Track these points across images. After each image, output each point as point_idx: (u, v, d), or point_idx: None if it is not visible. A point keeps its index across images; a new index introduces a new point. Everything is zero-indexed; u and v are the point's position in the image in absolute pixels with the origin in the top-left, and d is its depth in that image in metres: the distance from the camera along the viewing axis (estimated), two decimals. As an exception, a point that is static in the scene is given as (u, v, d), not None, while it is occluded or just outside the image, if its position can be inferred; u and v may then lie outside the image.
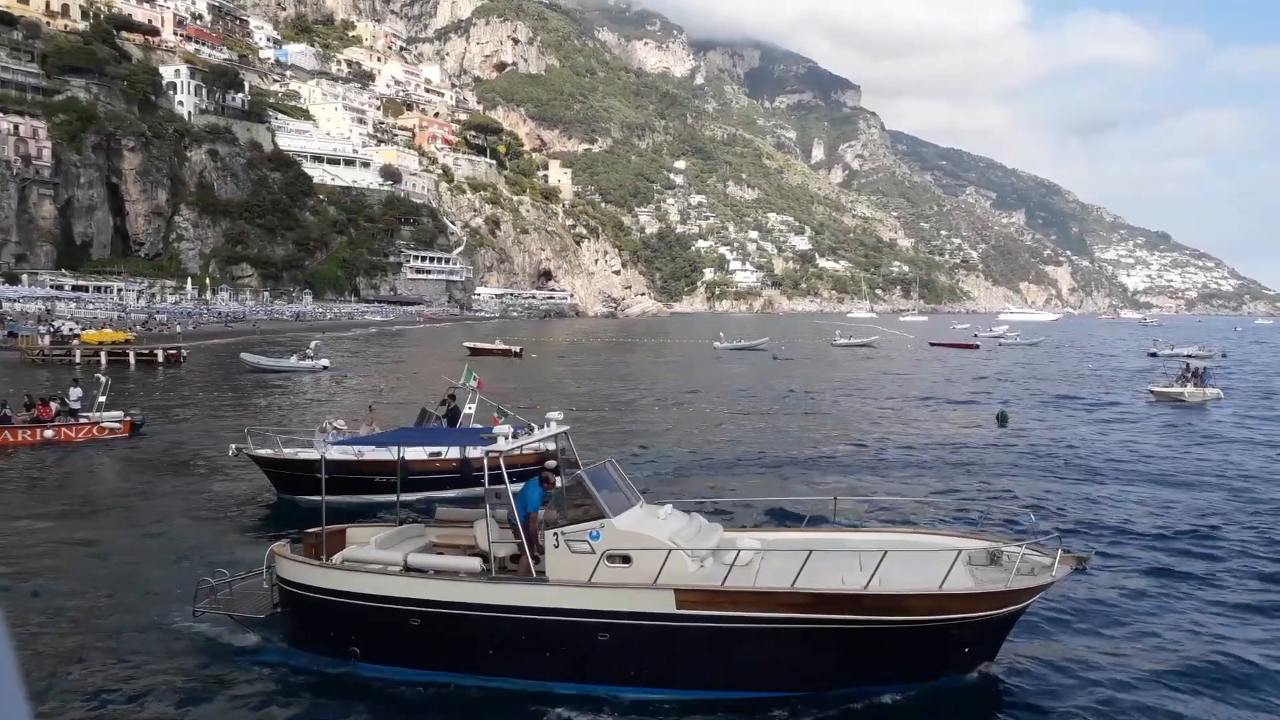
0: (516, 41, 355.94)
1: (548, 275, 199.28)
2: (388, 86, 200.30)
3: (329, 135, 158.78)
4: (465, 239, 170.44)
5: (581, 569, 10.22)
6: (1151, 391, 43.88)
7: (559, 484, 11.46)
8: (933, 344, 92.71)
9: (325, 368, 50.79)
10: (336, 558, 11.38)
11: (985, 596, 10.02)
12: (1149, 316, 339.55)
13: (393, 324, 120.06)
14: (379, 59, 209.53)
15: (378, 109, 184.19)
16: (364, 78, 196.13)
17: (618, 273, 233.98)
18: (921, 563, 10.34)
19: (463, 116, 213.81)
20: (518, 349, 66.82)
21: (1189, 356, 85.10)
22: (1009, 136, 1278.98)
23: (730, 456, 26.14)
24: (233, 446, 20.48)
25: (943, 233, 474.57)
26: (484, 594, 10.41)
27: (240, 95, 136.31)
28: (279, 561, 11.39)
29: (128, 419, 27.37)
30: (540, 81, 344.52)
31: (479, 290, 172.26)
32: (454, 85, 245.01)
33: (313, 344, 53.12)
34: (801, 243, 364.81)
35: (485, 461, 11.18)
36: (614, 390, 45.84)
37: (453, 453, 19.05)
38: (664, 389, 47.33)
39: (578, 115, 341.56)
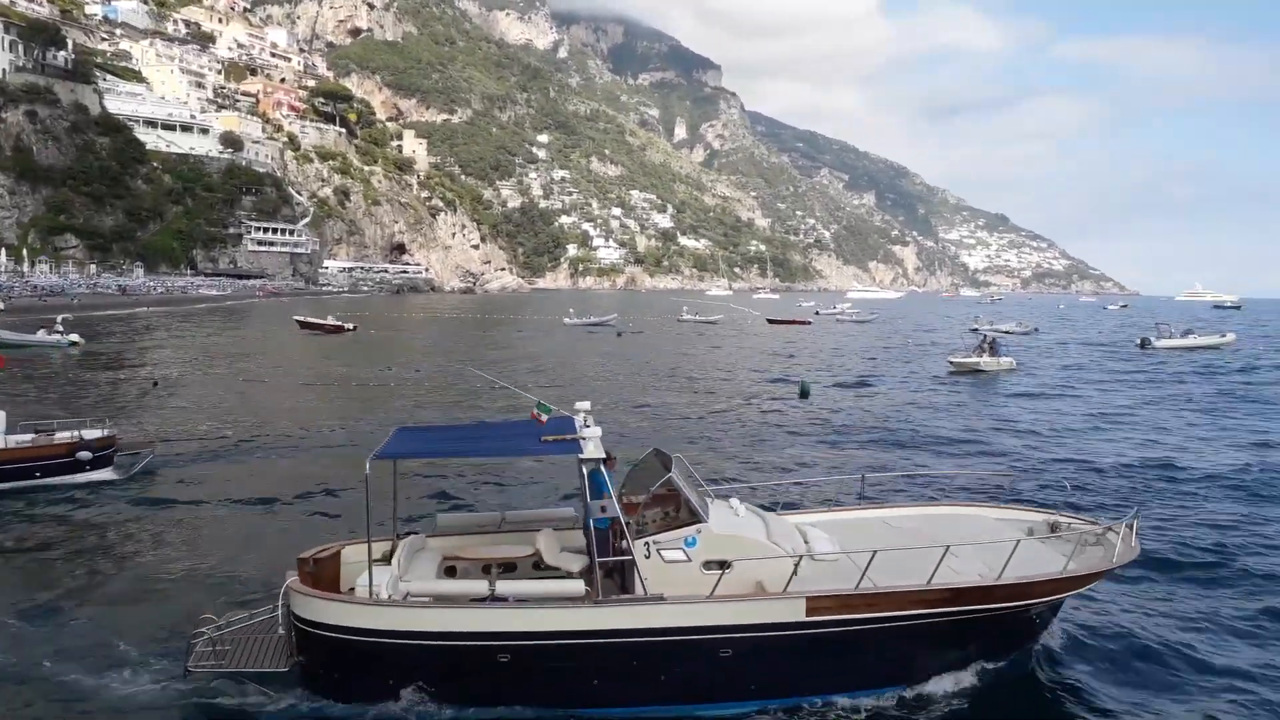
0: (372, 7, 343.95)
1: (401, 249, 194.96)
2: (230, 49, 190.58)
3: (164, 99, 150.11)
4: (312, 210, 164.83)
5: (682, 580, 9.33)
6: (950, 362, 47.00)
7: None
8: (770, 320, 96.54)
9: (74, 343, 47.03)
10: (358, 587, 9.52)
11: (1092, 575, 10.12)
12: (988, 295, 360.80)
13: (229, 298, 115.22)
14: (220, 20, 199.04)
15: (219, 73, 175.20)
16: (204, 39, 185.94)
17: (476, 247, 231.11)
18: (992, 540, 10.27)
19: (311, 83, 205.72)
20: (351, 325, 65.72)
21: (1006, 332, 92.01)
22: (864, 120, 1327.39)
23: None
24: None
25: (798, 213, 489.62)
26: (593, 619, 9.09)
27: (63, 54, 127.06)
28: (305, 602, 9.33)
29: None
30: (397, 49, 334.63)
31: (327, 264, 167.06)
32: (303, 50, 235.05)
33: (60, 317, 48.91)
34: (664, 221, 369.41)
35: (583, 469, 9.55)
36: (453, 365, 45.87)
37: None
38: (497, 363, 47.68)
39: (436, 85, 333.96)
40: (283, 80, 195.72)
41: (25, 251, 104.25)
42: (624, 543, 9.43)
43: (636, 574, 9.31)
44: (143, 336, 58.19)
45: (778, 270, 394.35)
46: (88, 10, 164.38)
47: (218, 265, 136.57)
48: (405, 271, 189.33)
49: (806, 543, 10.22)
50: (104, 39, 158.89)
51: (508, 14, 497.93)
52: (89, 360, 42.86)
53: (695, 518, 9.65)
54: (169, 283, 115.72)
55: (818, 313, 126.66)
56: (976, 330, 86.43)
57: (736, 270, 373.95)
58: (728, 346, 65.76)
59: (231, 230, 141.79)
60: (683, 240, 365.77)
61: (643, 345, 64.24)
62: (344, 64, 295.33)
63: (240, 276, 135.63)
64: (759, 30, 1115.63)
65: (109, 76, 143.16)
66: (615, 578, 9.63)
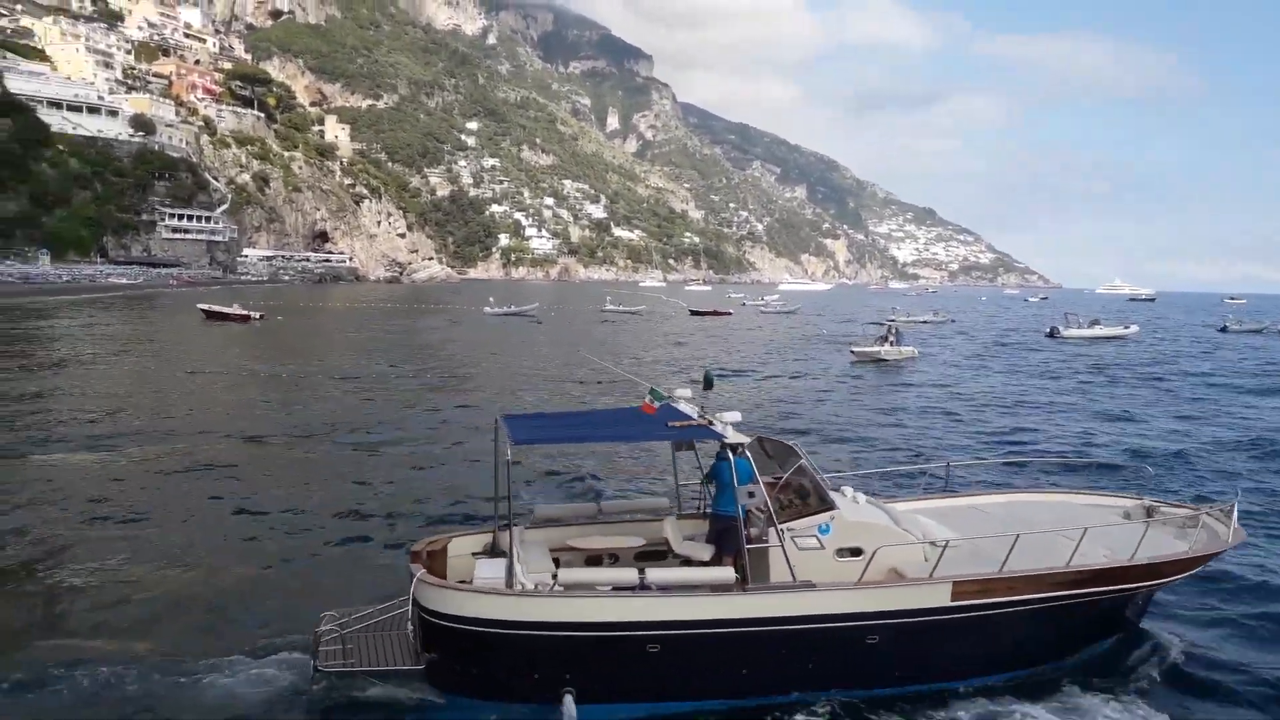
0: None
1: (324, 237, 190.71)
2: (140, 29, 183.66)
3: (69, 80, 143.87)
4: (230, 197, 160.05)
5: (816, 568, 9.38)
6: (853, 352, 47.64)
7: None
8: (693, 312, 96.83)
9: None
10: (478, 578, 9.34)
11: (1209, 555, 10.50)
12: (917, 288, 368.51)
13: (141, 287, 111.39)
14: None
15: (128, 53, 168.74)
16: (111, 18, 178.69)
17: (403, 235, 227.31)
18: (1099, 524, 10.51)
19: (228, 65, 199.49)
20: (258, 314, 63.93)
21: (923, 321, 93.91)
22: (794, 113, 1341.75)
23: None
24: None
25: (731, 205, 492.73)
26: (744, 607, 9.03)
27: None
28: (441, 595, 8.99)
29: None
30: (320, 32, 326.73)
31: (246, 252, 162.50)
32: (219, 32, 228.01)
33: None
34: (597, 211, 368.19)
35: (730, 454, 9.36)
36: (359, 356, 44.82)
37: None
38: (395, 353, 46.79)
39: (361, 69, 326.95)
40: (197, 62, 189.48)
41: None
42: (755, 530, 9.36)
43: (785, 561, 9.27)
44: (26, 323, 55.72)
45: (712, 262, 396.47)
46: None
47: (130, 253, 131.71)
48: (328, 260, 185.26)
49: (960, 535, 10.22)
50: (3, 14, 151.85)
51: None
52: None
53: (827, 505, 9.69)
54: (76, 271, 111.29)
55: (744, 304, 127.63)
56: (893, 321, 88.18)
57: (671, 262, 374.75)
58: (642, 336, 65.69)
59: (144, 217, 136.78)
60: (617, 231, 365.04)
61: (553, 334, 63.78)
62: (264, 47, 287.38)
63: (154, 265, 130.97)
64: (688, 20, 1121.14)
65: (9, 55, 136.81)
66: (757, 566, 9.48)
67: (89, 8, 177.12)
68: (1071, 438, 24.95)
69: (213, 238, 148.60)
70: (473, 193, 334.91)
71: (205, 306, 64.25)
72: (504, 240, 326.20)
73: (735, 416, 9.77)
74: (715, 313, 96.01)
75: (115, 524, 14.69)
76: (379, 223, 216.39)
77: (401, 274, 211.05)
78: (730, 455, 9.36)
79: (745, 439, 9.47)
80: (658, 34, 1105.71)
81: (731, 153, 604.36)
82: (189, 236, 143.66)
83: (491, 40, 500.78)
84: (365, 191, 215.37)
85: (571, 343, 56.65)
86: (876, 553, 9.48)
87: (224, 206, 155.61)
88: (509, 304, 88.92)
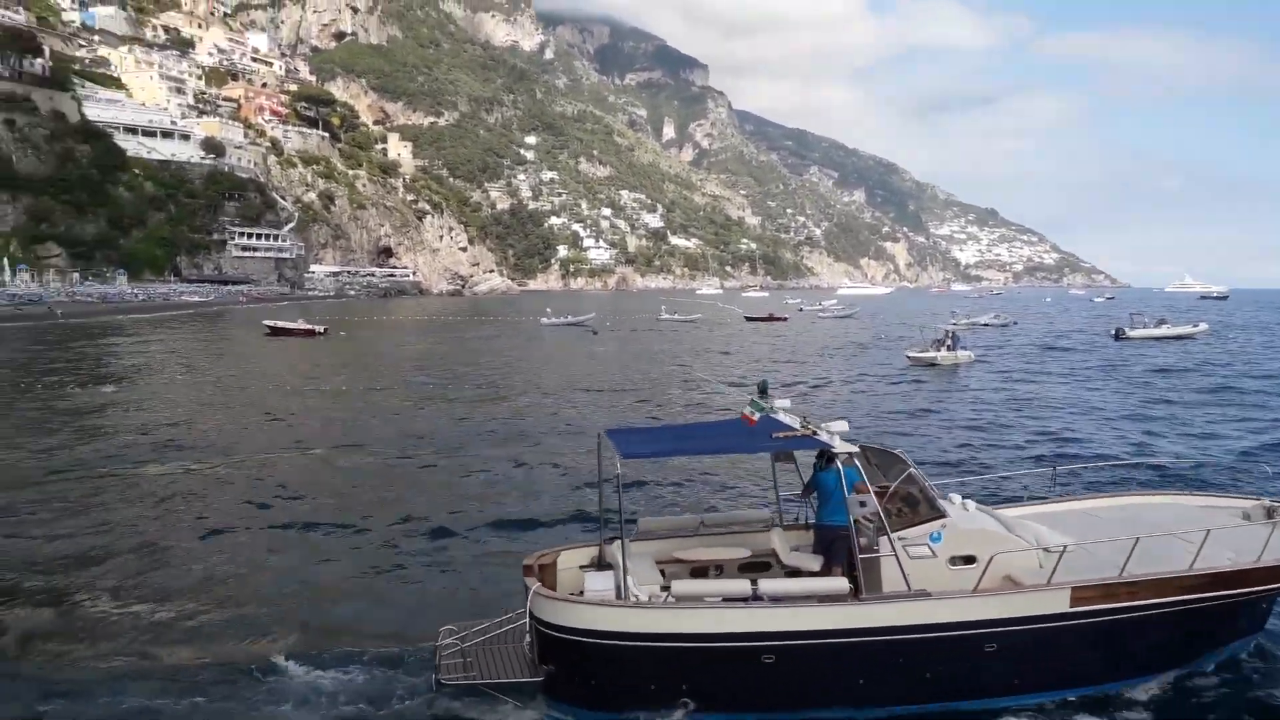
0: (356, 10, 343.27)
1: (388, 252, 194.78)
2: (210, 55, 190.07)
3: (144, 106, 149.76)
4: (296, 215, 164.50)
5: (928, 577, 9.24)
6: (908, 357, 47.03)
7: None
8: (748, 318, 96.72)
9: None
10: (589, 591, 9.38)
11: None
12: (980, 289, 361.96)
13: (212, 304, 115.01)
14: (200, 25, 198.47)
15: (199, 79, 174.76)
16: (183, 45, 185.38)
17: (464, 249, 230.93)
18: (1222, 528, 10.22)
19: (294, 87, 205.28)
20: (322, 328, 65.70)
21: (985, 324, 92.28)
22: (852, 117, 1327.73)
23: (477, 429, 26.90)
24: None
25: (788, 211, 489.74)
26: (861, 617, 8.93)
27: (40, 61, 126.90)
28: (557, 607, 9.07)
29: None
30: (382, 52, 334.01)
31: (313, 268, 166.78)
32: (285, 55, 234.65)
33: None
34: (654, 220, 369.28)
35: (839, 462, 9.33)
36: (424, 369, 45.83)
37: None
38: (457, 365, 47.66)
39: (422, 88, 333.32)
40: (264, 85, 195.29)
41: (6, 260, 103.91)
42: (866, 540, 9.18)
43: (899, 570, 9.12)
44: (102, 340, 58.11)
45: (769, 268, 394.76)
46: (65, 17, 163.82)
47: (202, 271, 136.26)
48: (392, 275, 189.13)
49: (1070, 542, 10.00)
50: (81, 45, 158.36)
51: (493, 16, 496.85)
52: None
53: (938, 512, 9.58)
54: (151, 290, 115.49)
55: (801, 309, 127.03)
56: (954, 323, 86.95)
57: (728, 269, 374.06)
58: (697, 343, 65.81)
59: (215, 236, 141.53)
60: (673, 240, 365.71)
61: (611, 344, 64.24)
62: (329, 68, 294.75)
63: (224, 282, 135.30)
64: (745, 29, 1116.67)
65: (87, 84, 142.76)
66: (869, 575, 9.38)
67: (162, 36, 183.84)
68: (1142, 440, 24.46)
69: (280, 255, 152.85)
70: (531, 206, 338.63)
71: (270, 323, 66.23)
72: (562, 252, 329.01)
73: (843, 426, 9.59)
74: (771, 318, 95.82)
75: (213, 534, 15.14)
76: (441, 237, 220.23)
77: (463, 287, 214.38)
78: (838, 465, 9.27)
79: (853, 448, 9.35)
80: (713, 43, 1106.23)
81: (789, 158, 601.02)
82: (257, 254, 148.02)
83: (549, 55, 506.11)
84: (427, 207, 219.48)
85: (631, 352, 57.07)
86: (991, 560, 9.30)
87: (291, 225, 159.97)
88: (565, 315, 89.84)
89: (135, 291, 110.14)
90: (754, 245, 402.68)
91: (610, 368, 45.93)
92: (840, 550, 9.49)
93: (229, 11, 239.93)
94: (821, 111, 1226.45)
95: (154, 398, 32.25)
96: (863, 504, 9.09)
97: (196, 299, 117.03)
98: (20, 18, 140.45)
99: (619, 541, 9.69)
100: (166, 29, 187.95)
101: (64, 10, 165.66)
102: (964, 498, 10.52)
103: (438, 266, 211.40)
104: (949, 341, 47.36)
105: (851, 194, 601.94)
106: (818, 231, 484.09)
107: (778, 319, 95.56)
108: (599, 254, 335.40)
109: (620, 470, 9.08)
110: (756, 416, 10.12)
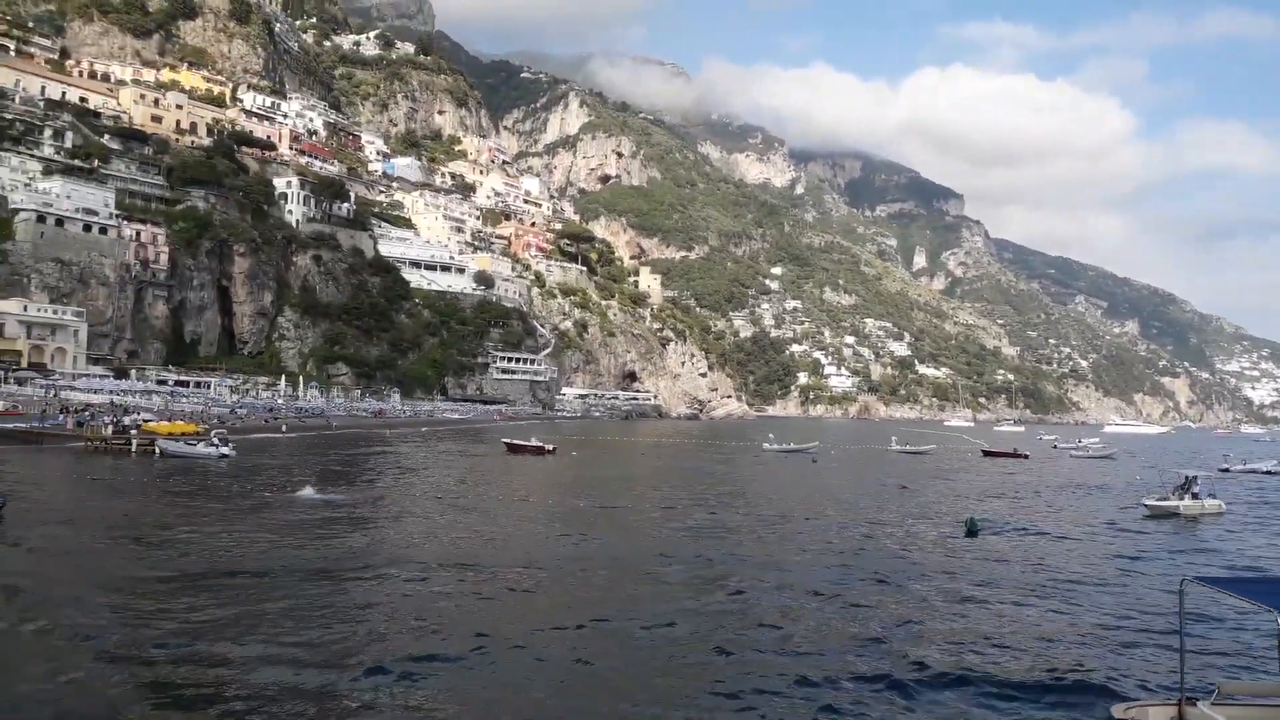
0: (620, 155, 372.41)
1: (632, 376, 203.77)
2: (488, 197, 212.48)
3: (428, 243, 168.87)
4: (553, 341, 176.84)
5: None
6: (1145, 505, 42.88)
7: None
8: (985, 453, 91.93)
9: (224, 456, 51.68)
10: None
11: None
12: (1273, 432, 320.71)
13: (471, 422, 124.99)
14: (481, 171, 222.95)
15: (477, 218, 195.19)
16: (466, 189, 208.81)
17: (704, 375, 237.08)
18: None
19: (558, 226, 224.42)
20: (550, 447, 69.85)
21: (1267, 473, 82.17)
22: (1121, 245, 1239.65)
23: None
24: None
25: (1051, 341, 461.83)
26: None
27: (346, 205, 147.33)
28: None
29: None
30: (642, 193, 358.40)
31: (564, 390, 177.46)
32: (554, 196, 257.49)
33: (214, 433, 55.34)
34: (900, 349, 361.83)
35: None
36: (634, 489, 47.94)
37: None
38: (671, 490, 49.24)
39: (676, 224, 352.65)
40: (533, 224, 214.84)
41: (301, 378, 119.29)
42: None
43: None
44: (364, 448, 65.26)
45: (1029, 401, 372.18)
46: (370, 167, 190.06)
47: (465, 391, 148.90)
48: (635, 398, 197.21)
49: None
50: (381, 191, 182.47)
51: (747, 155, 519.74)
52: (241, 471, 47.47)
53: None
54: (418, 407, 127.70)
55: (1056, 446, 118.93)
56: (1227, 469, 78.39)
57: (981, 400, 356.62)
58: (916, 476, 63.68)
59: (479, 359, 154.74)
60: (921, 368, 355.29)
61: (829, 472, 63.61)
62: (594, 208, 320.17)
63: (484, 402, 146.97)
64: (1001, 159, 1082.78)
65: (383, 224, 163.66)
66: None
67: (449, 182, 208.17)
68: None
69: (535, 378, 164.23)
70: (774, 333, 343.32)
71: (509, 440, 71.51)
72: (803, 379, 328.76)
73: None
74: (1012, 454, 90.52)
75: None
76: (682, 363, 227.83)
77: (700, 411, 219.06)
78: None
79: None
80: (969, 175, 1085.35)
81: (1051, 287, 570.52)
82: (515, 377, 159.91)
83: (799, 190, 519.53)
84: (671, 335, 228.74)
85: (845, 483, 56.40)
86: None
87: (547, 350, 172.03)
88: (789, 441, 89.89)
89: (404, 409, 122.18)
90: (1011, 376, 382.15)
91: (835, 497, 45.74)
92: None
93: (508, 160, 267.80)
94: (1086, 239, 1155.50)
95: (374, 502, 36.24)
96: None
97: (456, 416, 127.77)
98: (334, 168, 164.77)
99: (1200, 704, 9.49)
100: (453, 175, 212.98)
101: (370, 161, 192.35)
102: None
103: (678, 391, 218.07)
104: (1195, 488, 42.92)
105: (1123, 325, 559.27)
106: (1084, 364, 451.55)
107: (1019, 455, 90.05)
108: (840, 381, 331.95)
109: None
110: None
